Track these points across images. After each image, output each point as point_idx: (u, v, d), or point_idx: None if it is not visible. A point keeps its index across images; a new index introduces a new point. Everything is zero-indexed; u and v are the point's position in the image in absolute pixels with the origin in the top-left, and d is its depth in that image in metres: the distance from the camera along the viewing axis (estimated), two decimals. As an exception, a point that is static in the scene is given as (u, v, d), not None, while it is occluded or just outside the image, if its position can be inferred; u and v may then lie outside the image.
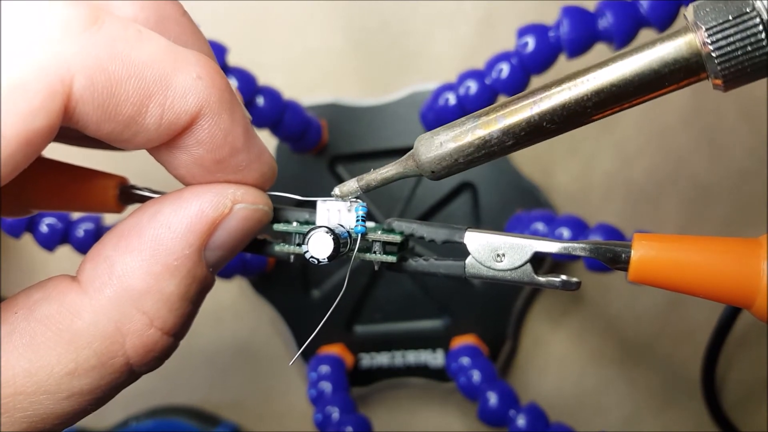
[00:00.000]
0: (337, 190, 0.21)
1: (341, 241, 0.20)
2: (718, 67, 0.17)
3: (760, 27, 0.16)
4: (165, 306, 0.18)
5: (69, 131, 0.22)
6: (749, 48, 0.16)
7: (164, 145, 0.19)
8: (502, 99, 0.34)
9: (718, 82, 0.17)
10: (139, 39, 0.17)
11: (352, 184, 0.21)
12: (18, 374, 0.17)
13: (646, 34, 0.31)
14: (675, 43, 0.17)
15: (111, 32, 0.17)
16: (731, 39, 0.17)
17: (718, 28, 0.17)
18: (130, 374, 0.18)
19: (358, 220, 0.21)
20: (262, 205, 0.20)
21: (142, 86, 0.17)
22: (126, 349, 0.18)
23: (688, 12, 0.17)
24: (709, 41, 0.17)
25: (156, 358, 0.19)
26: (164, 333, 0.18)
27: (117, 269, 0.18)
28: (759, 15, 0.16)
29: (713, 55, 0.17)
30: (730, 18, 0.16)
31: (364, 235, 0.21)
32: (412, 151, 0.20)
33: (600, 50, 0.32)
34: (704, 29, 0.17)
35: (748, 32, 0.16)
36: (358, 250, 0.21)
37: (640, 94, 0.18)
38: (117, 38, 0.17)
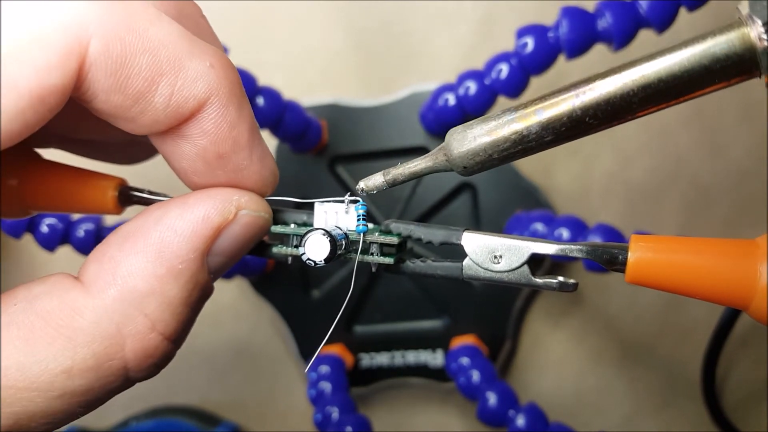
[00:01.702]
0: (362, 184, 0.21)
1: (338, 243, 0.20)
2: None
3: None
4: (168, 310, 0.18)
5: (75, 128, 0.22)
6: None
7: (169, 133, 0.19)
8: (502, 100, 0.35)
9: None
10: (158, 19, 0.17)
11: (378, 179, 0.20)
12: (10, 367, 0.16)
13: (645, 34, 0.31)
14: (727, 38, 0.16)
15: (132, 7, 0.17)
16: None
17: None
18: (125, 380, 0.18)
19: (359, 219, 0.21)
20: (264, 213, 0.20)
21: (155, 63, 0.17)
22: (125, 352, 0.18)
23: (742, 5, 0.16)
24: (766, 36, 0.16)
25: (154, 365, 0.18)
26: (165, 338, 0.18)
27: (122, 270, 0.18)
28: None
29: None
30: None
31: (364, 234, 0.21)
32: (443, 144, 0.19)
33: (599, 50, 0.32)
34: (761, 23, 0.16)
35: None
36: (356, 252, 0.21)
37: (689, 91, 0.17)
38: (136, 13, 0.17)
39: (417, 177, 0.20)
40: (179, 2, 0.20)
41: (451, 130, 0.19)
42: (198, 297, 0.19)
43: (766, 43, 0.16)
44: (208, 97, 0.18)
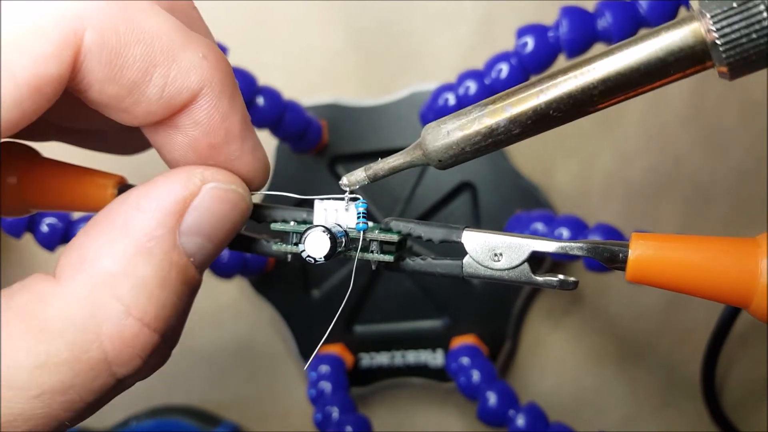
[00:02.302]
0: (345, 180, 0.21)
1: (338, 240, 0.20)
2: (723, 55, 0.17)
3: (765, 14, 0.16)
4: (142, 293, 0.17)
5: (73, 118, 0.22)
6: (754, 35, 0.16)
7: (162, 124, 0.19)
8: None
9: (724, 70, 0.17)
10: (152, 11, 0.18)
11: (359, 174, 0.21)
12: None
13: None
14: (680, 31, 0.17)
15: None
16: (735, 26, 0.16)
17: (723, 15, 0.16)
18: (110, 375, 0.17)
19: (359, 217, 0.21)
20: (236, 186, 0.19)
21: (149, 53, 0.17)
22: (102, 341, 0.17)
23: (694, 1, 0.17)
24: (714, 29, 0.17)
25: (138, 357, 0.17)
26: (144, 325, 0.17)
27: (89, 254, 0.17)
28: (763, 2, 0.16)
29: (718, 42, 0.17)
30: (735, 5, 0.16)
31: (364, 232, 0.21)
32: (419, 140, 0.20)
33: (599, 50, 0.32)
34: (709, 17, 0.17)
35: (753, 20, 0.16)
36: (357, 249, 0.21)
37: (646, 83, 0.18)
38: (131, 5, 0.17)
39: (396, 171, 0.21)
40: None
41: (427, 125, 0.20)
42: (178, 281, 0.18)
43: (714, 35, 0.17)
44: (201, 87, 0.18)
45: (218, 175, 0.19)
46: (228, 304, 0.43)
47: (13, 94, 0.16)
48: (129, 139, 0.24)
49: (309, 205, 0.22)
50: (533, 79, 0.19)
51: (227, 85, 0.19)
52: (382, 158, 0.21)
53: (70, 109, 0.20)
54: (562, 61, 0.33)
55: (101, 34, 0.17)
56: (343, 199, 0.21)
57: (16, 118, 0.16)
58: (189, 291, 0.19)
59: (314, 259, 0.19)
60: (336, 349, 0.41)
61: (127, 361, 0.17)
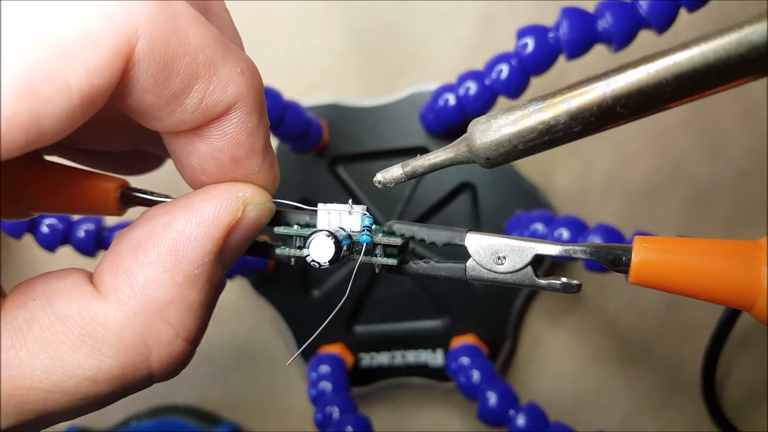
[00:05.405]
0: (379, 176, 0.20)
1: (342, 245, 0.19)
2: None
3: None
4: (189, 315, 0.18)
5: (80, 138, 0.22)
6: None
7: (188, 131, 0.19)
8: (502, 100, 0.35)
9: None
10: (198, 22, 0.17)
11: (396, 171, 0.20)
12: (36, 368, 0.17)
13: (645, 35, 0.31)
14: (765, 25, 0.15)
15: (176, 8, 0.17)
16: None
17: None
18: (148, 384, 0.18)
19: (363, 231, 0.21)
20: (268, 202, 0.20)
21: (193, 66, 0.17)
22: (150, 362, 0.18)
23: None
24: None
25: (177, 369, 0.19)
26: (189, 343, 0.19)
27: (139, 281, 0.18)
28: None
29: None
30: None
31: (368, 243, 0.21)
32: (465, 135, 0.19)
33: (600, 51, 0.32)
34: None
35: None
36: (359, 252, 0.21)
37: (723, 81, 0.16)
38: (181, 15, 0.17)
39: (437, 169, 0.19)
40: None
41: (474, 120, 0.19)
42: (215, 294, 0.19)
43: None
44: (236, 102, 0.18)
45: (257, 195, 0.20)
46: (228, 304, 0.43)
47: (67, 105, 0.15)
48: (134, 161, 0.24)
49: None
50: (592, 75, 0.17)
51: (259, 102, 0.19)
52: (421, 154, 0.20)
53: (79, 129, 0.20)
54: (561, 64, 0.33)
55: (152, 44, 0.16)
56: (347, 207, 0.21)
57: (66, 128, 0.16)
58: (218, 296, 0.20)
59: (319, 264, 0.19)
60: (336, 349, 0.41)
61: (169, 373, 0.19)
